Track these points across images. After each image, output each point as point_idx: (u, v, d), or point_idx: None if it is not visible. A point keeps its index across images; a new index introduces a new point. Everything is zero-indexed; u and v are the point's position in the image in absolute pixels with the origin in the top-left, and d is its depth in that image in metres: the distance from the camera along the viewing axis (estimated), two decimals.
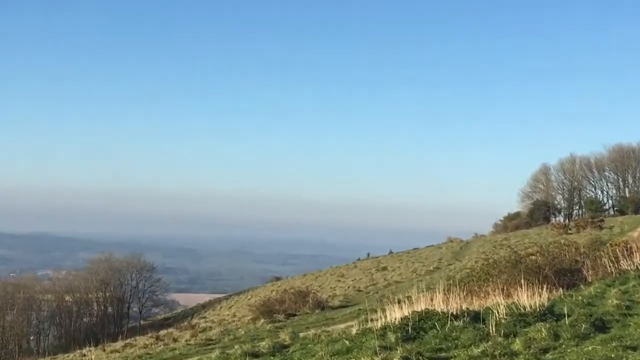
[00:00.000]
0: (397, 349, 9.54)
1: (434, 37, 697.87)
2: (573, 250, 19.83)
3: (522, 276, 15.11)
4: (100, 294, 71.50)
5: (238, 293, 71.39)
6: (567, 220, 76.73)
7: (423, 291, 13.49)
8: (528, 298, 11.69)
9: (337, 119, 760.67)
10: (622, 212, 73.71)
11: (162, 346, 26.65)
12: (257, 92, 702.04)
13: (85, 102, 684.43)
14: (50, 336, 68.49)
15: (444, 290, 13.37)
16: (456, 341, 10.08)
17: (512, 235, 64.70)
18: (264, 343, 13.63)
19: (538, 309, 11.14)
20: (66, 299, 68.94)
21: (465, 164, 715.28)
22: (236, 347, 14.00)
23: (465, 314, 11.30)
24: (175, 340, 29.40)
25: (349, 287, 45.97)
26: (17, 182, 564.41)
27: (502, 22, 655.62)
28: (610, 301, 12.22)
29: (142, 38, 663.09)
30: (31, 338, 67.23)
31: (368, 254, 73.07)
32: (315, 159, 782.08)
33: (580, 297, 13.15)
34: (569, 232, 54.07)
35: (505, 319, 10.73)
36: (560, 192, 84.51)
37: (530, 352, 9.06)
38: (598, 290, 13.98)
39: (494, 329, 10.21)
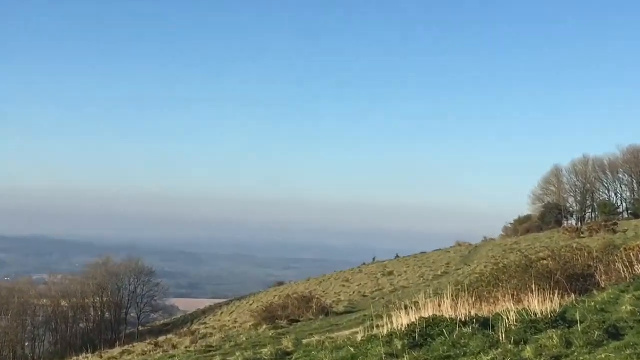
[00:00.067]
0: (403, 357, 9.48)
1: (442, 38, 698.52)
2: (586, 254, 19.50)
3: (533, 281, 14.92)
4: (98, 299, 70.66)
5: (239, 298, 71.28)
6: (579, 223, 76.10)
7: (430, 297, 13.30)
8: (539, 304, 11.50)
9: (341, 120, 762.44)
10: (636, 216, 73.00)
11: (161, 353, 26.51)
12: (257, 90, 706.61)
13: (83, 102, 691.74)
14: (46, 342, 67.81)
15: (452, 295, 13.09)
16: (465, 348, 9.92)
17: (523, 239, 64.25)
18: (266, 350, 13.50)
19: (549, 316, 10.95)
20: (62, 304, 68.26)
21: (475, 165, 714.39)
22: (237, 354, 13.86)
23: (474, 320, 11.13)
24: (174, 346, 29.22)
25: (354, 293, 45.71)
26: (12, 183, 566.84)
27: (514, 18, 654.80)
28: (624, 307, 11.93)
29: (143, 38, 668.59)
30: (26, 344, 66.62)
31: (374, 258, 72.83)
32: (318, 161, 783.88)
33: (593, 303, 12.91)
34: (582, 235, 53.48)
35: (516, 326, 10.57)
36: (572, 194, 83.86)
37: (542, 359, 8.85)
38: (611, 296, 13.69)
39: (503, 335, 10.05)
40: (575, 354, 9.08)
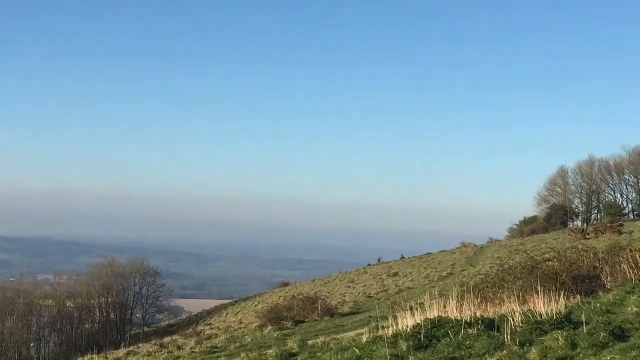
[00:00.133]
0: (409, 358, 9.44)
1: (451, 39, 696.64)
2: (591, 256, 19.42)
3: (539, 283, 14.87)
4: (103, 299, 70.69)
5: (245, 299, 71.39)
6: (585, 224, 75.72)
7: (436, 298, 13.25)
8: (545, 305, 11.48)
9: (347, 123, 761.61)
10: None
11: (166, 354, 26.40)
12: (262, 94, 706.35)
13: (87, 104, 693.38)
14: (51, 343, 67.91)
15: (457, 297, 13.05)
16: (470, 350, 9.90)
17: (529, 240, 63.99)
18: (271, 351, 13.49)
19: (555, 317, 10.92)
20: (67, 304, 68.30)
21: (481, 167, 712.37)
22: (242, 355, 13.87)
23: (480, 321, 11.10)
24: (179, 348, 29.08)
25: (359, 294, 45.65)
26: (17, 185, 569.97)
27: (518, 18, 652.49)
28: (630, 309, 11.88)
29: (145, 39, 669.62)
30: (31, 345, 66.81)
31: (379, 259, 72.85)
32: (324, 162, 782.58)
33: (598, 305, 12.87)
34: (587, 237, 53.20)
35: (521, 327, 10.54)
36: (578, 195, 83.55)
37: None
38: (617, 298, 13.64)
39: (509, 337, 10.03)
40: (581, 355, 9.06)
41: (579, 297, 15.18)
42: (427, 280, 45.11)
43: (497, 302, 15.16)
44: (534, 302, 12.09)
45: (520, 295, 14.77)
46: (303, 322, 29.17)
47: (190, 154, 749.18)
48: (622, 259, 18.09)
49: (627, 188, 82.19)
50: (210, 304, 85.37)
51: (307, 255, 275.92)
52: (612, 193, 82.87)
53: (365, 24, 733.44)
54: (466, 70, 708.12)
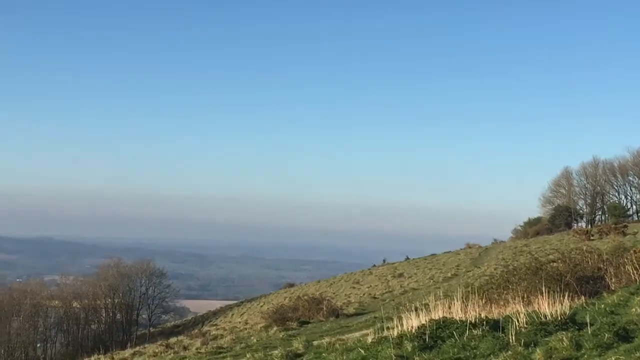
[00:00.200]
0: (413, 358, 9.43)
1: (452, 38, 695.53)
2: (596, 257, 19.41)
3: (543, 284, 14.87)
4: (109, 300, 70.81)
5: (250, 300, 71.39)
6: (589, 226, 75.52)
7: (440, 298, 13.26)
8: (549, 306, 11.48)
9: (349, 123, 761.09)
10: None
11: (172, 354, 26.46)
12: (264, 94, 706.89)
13: (91, 104, 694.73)
14: (58, 344, 68.06)
15: (462, 297, 13.09)
16: (475, 350, 9.92)
17: (533, 241, 63.86)
18: (276, 352, 13.52)
19: (559, 318, 10.92)
20: (74, 305, 68.43)
21: (486, 168, 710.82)
22: (248, 355, 13.90)
23: (484, 322, 11.11)
24: (185, 348, 29.14)
25: (364, 294, 45.65)
26: (20, 185, 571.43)
27: (525, 19, 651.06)
28: (634, 310, 11.87)
29: (146, 39, 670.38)
30: (38, 345, 66.89)
31: (384, 260, 72.85)
32: (328, 163, 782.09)
33: (603, 306, 12.84)
34: (592, 238, 53.09)
35: (526, 328, 10.55)
36: (582, 197, 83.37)
37: None
38: (621, 299, 13.61)
39: (513, 338, 10.04)
40: (585, 356, 9.07)
41: (583, 298, 15.15)
42: (431, 281, 45.09)
43: (502, 303, 15.16)
44: (538, 303, 12.07)
45: (525, 296, 14.77)
46: (308, 322, 29.22)
47: (190, 154, 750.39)
48: (626, 260, 18.08)
49: (631, 189, 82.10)
50: (215, 304, 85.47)
51: (312, 256, 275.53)
52: (616, 194, 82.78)
53: (366, 24, 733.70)
54: (471, 71, 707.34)
